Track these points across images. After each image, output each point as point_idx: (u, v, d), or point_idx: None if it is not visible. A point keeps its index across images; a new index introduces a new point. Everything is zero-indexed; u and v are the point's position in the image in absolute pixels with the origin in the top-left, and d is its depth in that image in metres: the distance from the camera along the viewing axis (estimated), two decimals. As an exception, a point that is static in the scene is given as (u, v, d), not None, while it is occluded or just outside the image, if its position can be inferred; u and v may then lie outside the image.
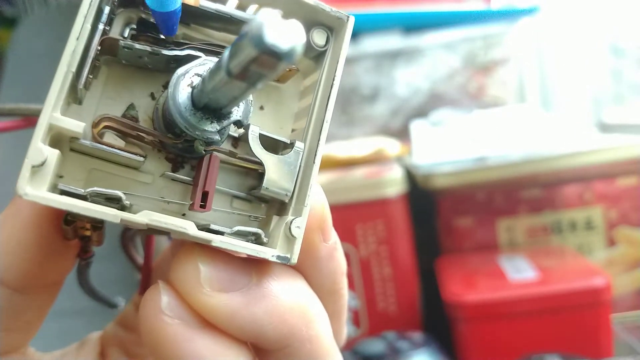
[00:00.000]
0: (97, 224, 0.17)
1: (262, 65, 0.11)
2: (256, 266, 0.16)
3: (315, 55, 0.18)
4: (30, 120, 0.20)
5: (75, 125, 0.14)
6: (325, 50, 0.17)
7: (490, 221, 0.53)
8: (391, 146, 0.57)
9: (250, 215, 0.17)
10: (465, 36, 0.67)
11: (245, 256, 0.16)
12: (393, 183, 0.48)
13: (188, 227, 0.15)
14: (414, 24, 0.66)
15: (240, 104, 0.16)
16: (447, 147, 0.58)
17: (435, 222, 0.54)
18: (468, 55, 0.67)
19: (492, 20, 0.68)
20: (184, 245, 0.16)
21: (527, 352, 0.41)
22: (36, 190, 0.13)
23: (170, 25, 0.15)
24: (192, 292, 0.15)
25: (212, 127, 0.15)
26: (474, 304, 0.43)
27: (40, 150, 0.13)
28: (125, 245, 0.24)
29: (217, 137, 0.15)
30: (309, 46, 0.17)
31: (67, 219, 0.17)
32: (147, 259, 0.23)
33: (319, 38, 0.17)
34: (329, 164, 0.54)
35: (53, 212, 0.17)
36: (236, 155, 0.17)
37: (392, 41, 0.66)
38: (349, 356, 0.42)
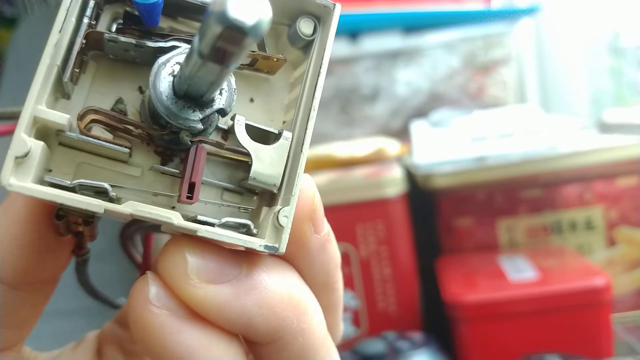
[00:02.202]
0: (89, 219, 0.17)
1: (228, 42, 0.11)
2: (247, 258, 0.16)
3: (303, 45, 0.18)
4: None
5: (59, 117, 0.14)
6: (313, 40, 0.17)
7: (490, 221, 0.53)
8: (391, 146, 0.57)
9: (240, 207, 0.17)
10: (465, 36, 0.67)
11: (240, 248, 0.16)
12: (393, 183, 0.48)
13: (173, 217, 0.14)
14: (414, 24, 0.66)
15: (224, 92, 0.16)
16: (447, 147, 0.58)
17: (435, 222, 0.54)
18: (468, 55, 0.67)
19: (492, 20, 0.67)
20: (172, 237, 0.16)
21: (527, 352, 0.41)
22: (20, 182, 0.13)
23: (153, 16, 0.15)
24: (179, 283, 0.15)
25: (194, 116, 0.15)
26: (474, 304, 0.43)
27: (24, 141, 0.13)
28: (124, 243, 0.24)
29: (199, 125, 0.15)
30: (296, 36, 0.17)
31: (59, 213, 0.16)
32: (145, 258, 0.23)
33: (306, 27, 0.17)
34: (329, 164, 0.54)
35: (46, 208, 0.17)
36: (224, 146, 0.17)
37: (392, 41, 0.66)
38: (349, 356, 0.42)
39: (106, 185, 0.15)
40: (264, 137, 0.17)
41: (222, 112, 0.16)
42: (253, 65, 0.18)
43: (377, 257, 0.48)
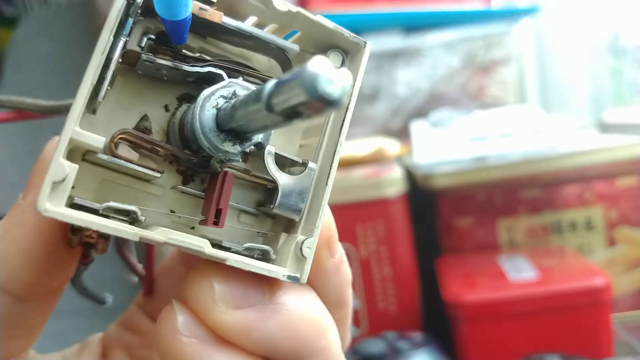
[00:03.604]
0: (106, 234, 0.17)
1: (309, 109, 0.11)
2: (267, 281, 0.16)
3: None
4: (23, 113, 0.20)
5: (96, 140, 0.14)
6: None
7: (490, 221, 0.53)
8: (391, 146, 0.57)
9: (258, 232, 0.17)
10: (465, 36, 0.67)
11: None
12: (393, 183, 0.48)
13: (204, 245, 0.15)
14: (414, 24, 0.66)
15: None
16: (447, 147, 0.58)
17: (435, 222, 0.54)
18: (468, 55, 0.67)
19: (492, 20, 0.68)
20: (197, 262, 0.16)
21: (527, 352, 0.41)
22: (55, 207, 0.13)
23: (180, 34, 0.15)
24: (207, 310, 0.15)
25: (234, 149, 0.15)
26: (474, 304, 0.43)
27: (62, 166, 0.13)
28: (119, 246, 0.24)
29: (239, 158, 0.15)
30: None
31: (74, 227, 0.16)
32: (149, 260, 0.23)
33: (334, 60, 0.17)
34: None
35: (58, 222, 0.17)
36: (250, 172, 0.17)
37: (392, 41, 0.66)
38: (349, 356, 0.42)
39: (136, 209, 0.15)
40: (284, 161, 0.17)
41: (259, 146, 0.16)
42: None
43: (377, 257, 0.48)
